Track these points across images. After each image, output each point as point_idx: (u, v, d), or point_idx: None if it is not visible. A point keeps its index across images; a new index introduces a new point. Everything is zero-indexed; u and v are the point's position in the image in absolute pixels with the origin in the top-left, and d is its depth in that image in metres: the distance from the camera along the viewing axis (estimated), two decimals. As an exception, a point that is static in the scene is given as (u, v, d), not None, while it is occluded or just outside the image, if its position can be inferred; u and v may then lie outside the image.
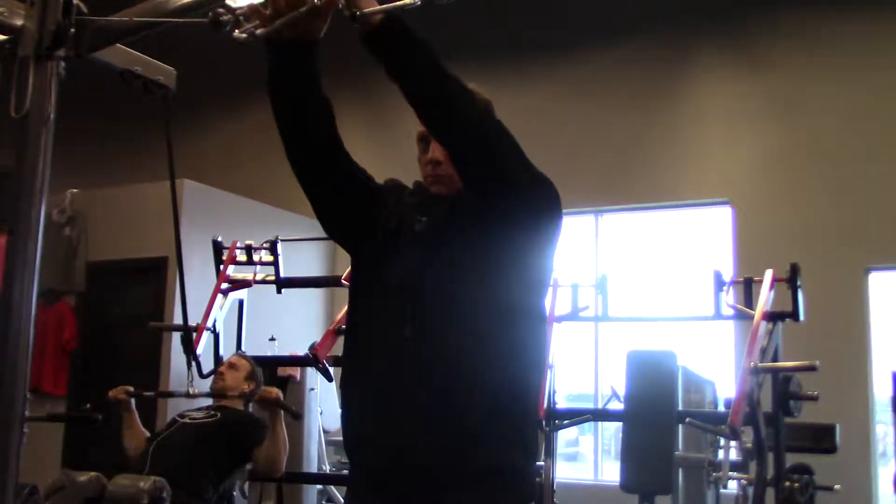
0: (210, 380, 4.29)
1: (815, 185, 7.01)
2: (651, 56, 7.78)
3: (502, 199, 1.71)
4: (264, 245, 5.03)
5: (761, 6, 7.38)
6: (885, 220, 6.71)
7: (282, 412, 3.78)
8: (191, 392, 4.13)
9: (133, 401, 4.05)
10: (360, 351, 1.82)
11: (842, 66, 7.13)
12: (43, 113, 1.63)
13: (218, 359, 4.76)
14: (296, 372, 5.70)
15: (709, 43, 7.65)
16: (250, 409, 4.30)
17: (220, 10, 1.55)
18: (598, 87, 7.94)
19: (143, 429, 4.07)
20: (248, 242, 5.05)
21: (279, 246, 4.98)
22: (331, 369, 4.35)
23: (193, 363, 4.32)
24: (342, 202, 1.86)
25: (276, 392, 3.84)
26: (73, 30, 1.65)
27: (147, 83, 2.17)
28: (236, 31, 1.57)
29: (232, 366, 4.17)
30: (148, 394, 4.40)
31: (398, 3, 1.53)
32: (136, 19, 1.75)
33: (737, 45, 7.55)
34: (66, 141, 1.88)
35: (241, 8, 1.56)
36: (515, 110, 7.78)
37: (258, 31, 1.57)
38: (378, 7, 1.56)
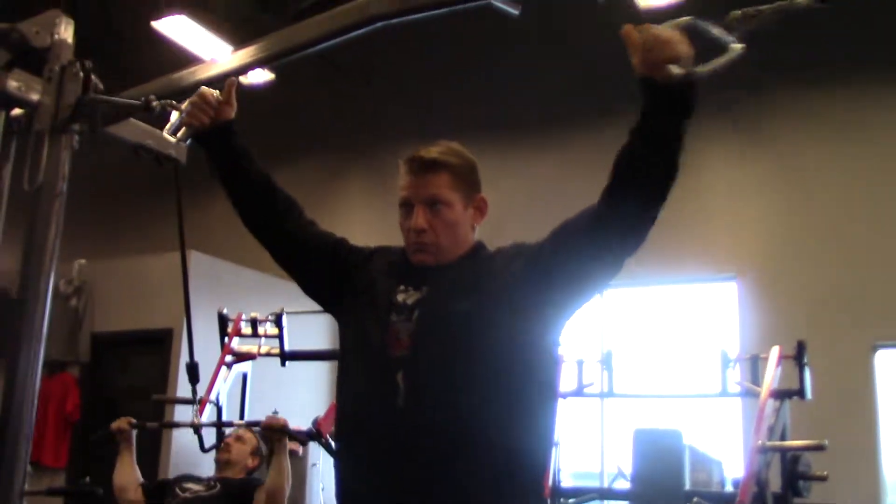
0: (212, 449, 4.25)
1: (820, 262, 7.01)
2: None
3: (590, 277, 1.72)
4: (269, 318, 5.02)
5: (760, 82, 7.47)
6: (891, 297, 6.69)
7: (287, 440, 3.76)
8: (195, 422, 4.09)
9: (134, 434, 4.02)
10: (351, 423, 1.78)
11: (844, 141, 7.20)
12: (56, 185, 1.64)
13: (220, 432, 4.71)
14: (298, 447, 5.63)
15: (709, 118, 7.71)
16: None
17: (152, 96, 1.87)
18: (599, 163, 7.98)
19: (137, 469, 4.00)
20: (253, 315, 5.04)
21: (284, 318, 4.97)
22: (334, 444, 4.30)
23: (197, 405, 4.25)
24: (304, 264, 1.94)
25: (282, 420, 3.83)
26: (90, 105, 1.68)
27: (159, 156, 2.21)
28: (164, 131, 1.94)
29: (239, 438, 4.13)
30: (151, 424, 4.35)
31: (717, 61, 1.50)
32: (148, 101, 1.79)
33: (737, 120, 7.63)
34: (74, 211, 1.90)
35: (167, 101, 1.92)
36: (515, 187, 7.96)
37: (187, 139, 1.92)
38: (702, 68, 1.51)
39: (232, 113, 1.94)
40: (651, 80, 1.53)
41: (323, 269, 1.91)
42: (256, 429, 4.20)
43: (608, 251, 1.69)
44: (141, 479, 3.99)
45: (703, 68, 1.49)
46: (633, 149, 1.62)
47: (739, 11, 1.51)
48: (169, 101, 1.91)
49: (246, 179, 1.94)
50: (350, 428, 1.79)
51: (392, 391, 1.66)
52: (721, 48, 1.51)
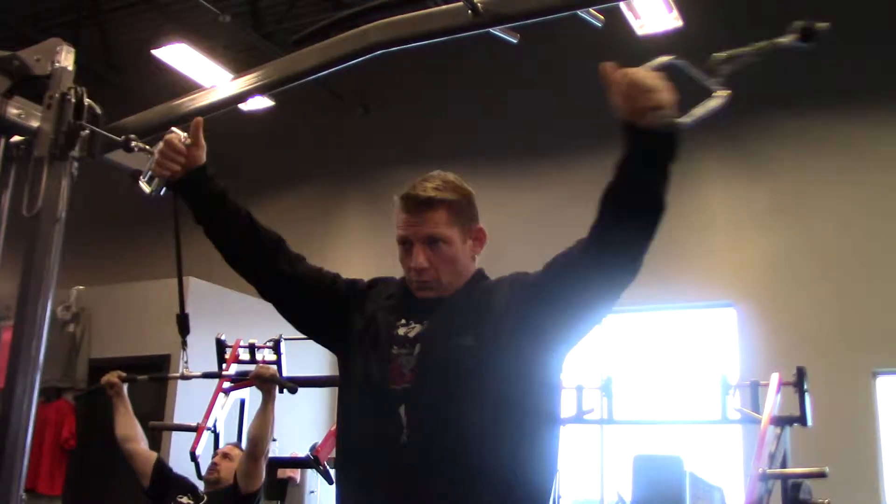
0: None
1: (819, 288, 7.01)
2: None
3: (586, 307, 1.69)
4: (268, 344, 5.01)
5: (760, 111, 7.52)
6: (891, 323, 6.69)
7: (276, 390, 3.77)
8: (185, 373, 4.09)
9: (126, 387, 4.05)
10: (355, 456, 1.77)
11: (842, 170, 7.23)
12: (55, 212, 1.64)
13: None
14: (296, 474, 5.60)
15: (709, 147, 7.75)
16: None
17: (132, 136, 1.78)
18: (598, 189, 8.01)
19: (135, 420, 4.05)
20: (251, 341, 5.03)
21: (283, 345, 4.96)
22: (332, 471, 4.27)
23: (187, 351, 4.24)
24: (299, 304, 1.89)
25: (272, 369, 3.88)
26: (86, 131, 1.68)
27: (157, 184, 2.21)
28: (140, 182, 1.83)
29: (226, 455, 4.11)
30: (141, 377, 4.39)
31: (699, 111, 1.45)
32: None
33: (737, 149, 7.66)
34: (73, 237, 1.89)
35: (141, 145, 1.79)
36: (514, 212, 7.96)
37: (160, 191, 1.82)
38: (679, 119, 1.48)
39: (203, 156, 1.84)
40: (632, 125, 1.51)
41: (320, 308, 1.88)
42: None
43: (599, 284, 1.67)
44: (140, 431, 4.06)
45: (687, 118, 1.44)
46: (617, 191, 1.60)
47: (722, 53, 1.46)
48: (144, 145, 1.79)
49: (226, 225, 1.85)
50: (354, 462, 1.77)
51: (395, 426, 1.65)
52: (705, 93, 1.45)
